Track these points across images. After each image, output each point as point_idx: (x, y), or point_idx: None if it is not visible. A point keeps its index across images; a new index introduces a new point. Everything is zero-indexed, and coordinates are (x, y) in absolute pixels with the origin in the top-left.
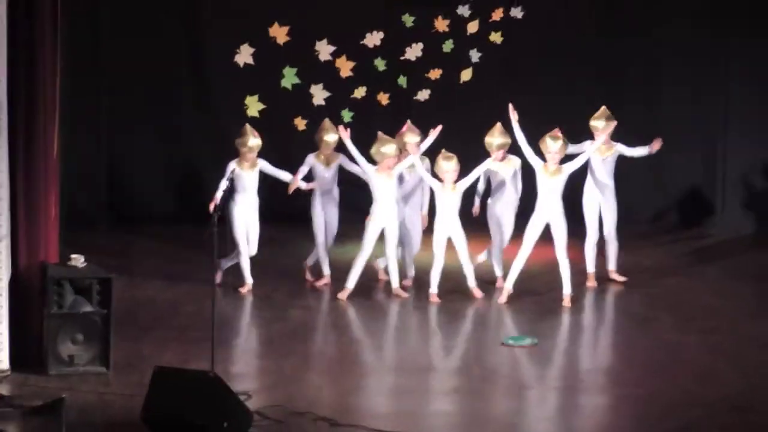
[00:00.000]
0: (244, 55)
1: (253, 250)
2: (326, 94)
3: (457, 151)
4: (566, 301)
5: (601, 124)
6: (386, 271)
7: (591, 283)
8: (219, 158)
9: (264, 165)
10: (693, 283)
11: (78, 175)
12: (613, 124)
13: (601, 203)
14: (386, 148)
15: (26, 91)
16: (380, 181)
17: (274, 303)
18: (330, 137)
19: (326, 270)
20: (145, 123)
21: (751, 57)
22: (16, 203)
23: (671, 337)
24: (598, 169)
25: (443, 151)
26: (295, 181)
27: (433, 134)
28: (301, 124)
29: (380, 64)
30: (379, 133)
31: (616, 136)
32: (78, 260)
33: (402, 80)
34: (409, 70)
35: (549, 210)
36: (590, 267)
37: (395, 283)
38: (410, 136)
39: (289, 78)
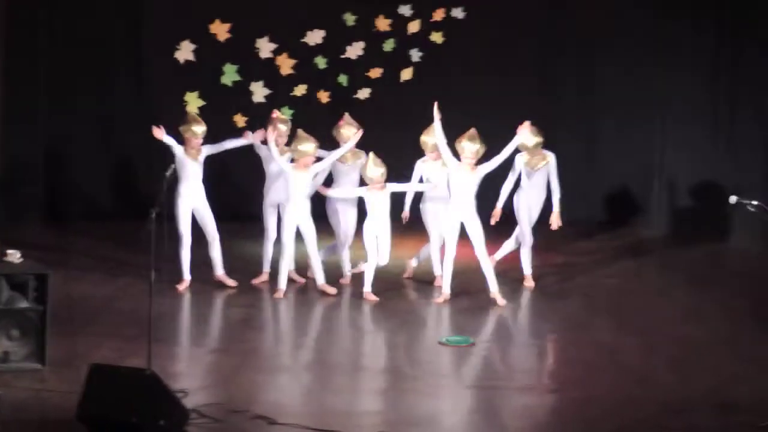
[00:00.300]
0: (185, 52)
1: (214, 237)
2: (267, 91)
3: (397, 149)
4: (498, 300)
5: (530, 141)
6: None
7: (528, 283)
8: (158, 155)
9: (208, 149)
10: (628, 284)
11: (13, 169)
12: (540, 140)
13: (531, 208)
14: (304, 146)
15: None
16: (295, 178)
17: (211, 300)
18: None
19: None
20: (83, 118)
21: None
22: None
23: (608, 339)
24: (531, 182)
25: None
26: (246, 136)
27: (356, 137)
28: (240, 121)
29: (321, 62)
30: (299, 130)
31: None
32: (14, 256)
33: (342, 79)
34: (350, 68)
35: (462, 209)
36: (527, 269)
37: (321, 279)
38: (347, 128)
39: (230, 75)
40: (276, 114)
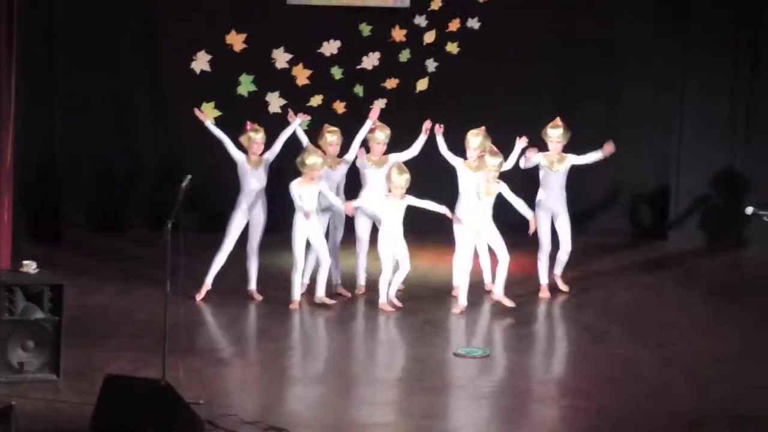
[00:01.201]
0: (201, 62)
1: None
2: (282, 101)
3: (412, 159)
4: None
5: (555, 133)
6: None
7: (544, 294)
8: (175, 166)
9: (269, 154)
10: (646, 295)
11: (29, 179)
12: (567, 136)
13: (554, 216)
14: (311, 159)
15: None
16: (304, 191)
17: (227, 311)
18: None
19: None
20: (99, 129)
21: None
22: None
23: (624, 350)
24: (550, 182)
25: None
26: (291, 117)
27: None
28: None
29: (337, 72)
30: (308, 144)
31: (573, 145)
32: (30, 266)
33: (358, 89)
34: (366, 79)
35: (482, 219)
36: (543, 278)
37: (321, 292)
38: (379, 133)
39: (246, 85)
40: (250, 126)
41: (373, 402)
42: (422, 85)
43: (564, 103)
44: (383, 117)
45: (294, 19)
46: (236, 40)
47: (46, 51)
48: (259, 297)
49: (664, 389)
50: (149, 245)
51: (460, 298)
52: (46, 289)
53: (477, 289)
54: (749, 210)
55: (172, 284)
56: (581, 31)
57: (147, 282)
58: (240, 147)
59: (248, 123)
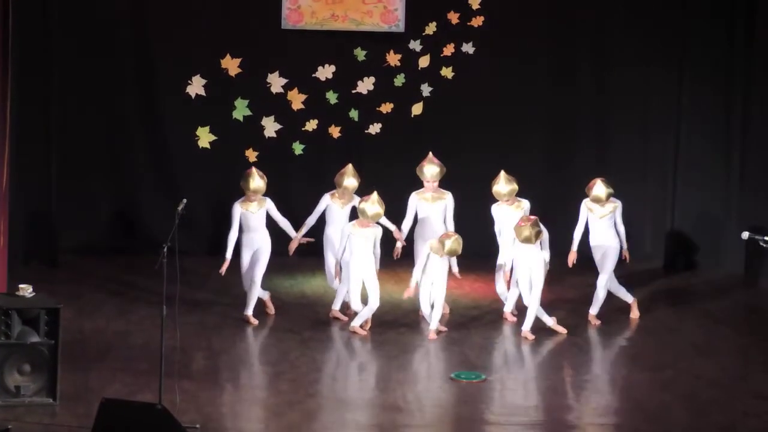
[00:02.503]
0: (196, 87)
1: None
2: (277, 126)
3: (408, 185)
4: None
5: (601, 193)
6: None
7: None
8: (170, 189)
9: (270, 206)
10: (642, 319)
11: (25, 202)
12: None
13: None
14: (371, 208)
15: None
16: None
17: (223, 334)
18: (349, 182)
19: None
20: (94, 153)
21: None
22: None
23: (620, 374)
24: (598, 228)
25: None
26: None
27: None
28: (252, 155)
29: (332, 97)
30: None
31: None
32: (26, 290)
33: (353, 113)
34: (361, 103)
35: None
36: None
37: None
38: (429, 166)
39: (241, 110)
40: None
41: (368, 428)
42: (417, 109)
43: (558, 128)
44: (377, 141)
45: (289, 44)
46: (231, 65)
47: (43, 76)
48: (255, 322)
49: (661, 413)
50: (145, 269)
51: (432, 322)
52: (43, 312)
53: (473, 313)
54: (745, 235)
55: (168, 308)
56: (576, 55)
57: (143, 306)
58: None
59: (253, 168)
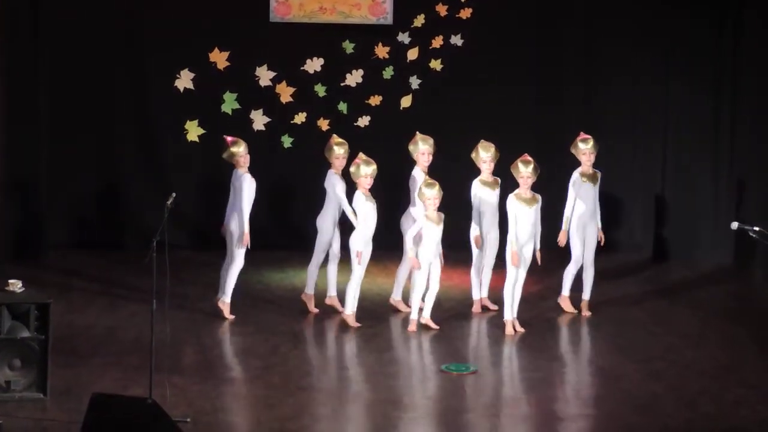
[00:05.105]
0: (185, 80)
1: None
2: (266, 119)
3: (398, 177)
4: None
5: (585, 146)
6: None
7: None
8: (159, 183)
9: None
10: (631, 310)
11: (13, 197)
12: (596, 147)
13: (585, 229)
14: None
15: None
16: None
17: (214, 328)
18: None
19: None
20: (83, 148)
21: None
22: None
23: (610, 365)
24: (587, 195)
25: (425, 177)
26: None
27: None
28: None
29: (320, 90)
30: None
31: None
32: (16, 285)
33: (342, 106)
34: (350, 96)
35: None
36: (566, 289)
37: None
38: (421, 143)
39: (230, 103)
40: (230, 140)
41: (360, 419)
42: (406, 102)
43: (546, 114)
44: (366, 133)
45: (277, 37)
46: (219, 58)
47: (31, 72)
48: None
49: (650, 404)
50: (134, 263)
51: (412, 313)
52: (33, 307)
53: (464, 305)
54: (734, 225)
55: (158, 302)
56: (564, 47)
57: (133, 300)
58: (225, 163)
59: (228, 138)
